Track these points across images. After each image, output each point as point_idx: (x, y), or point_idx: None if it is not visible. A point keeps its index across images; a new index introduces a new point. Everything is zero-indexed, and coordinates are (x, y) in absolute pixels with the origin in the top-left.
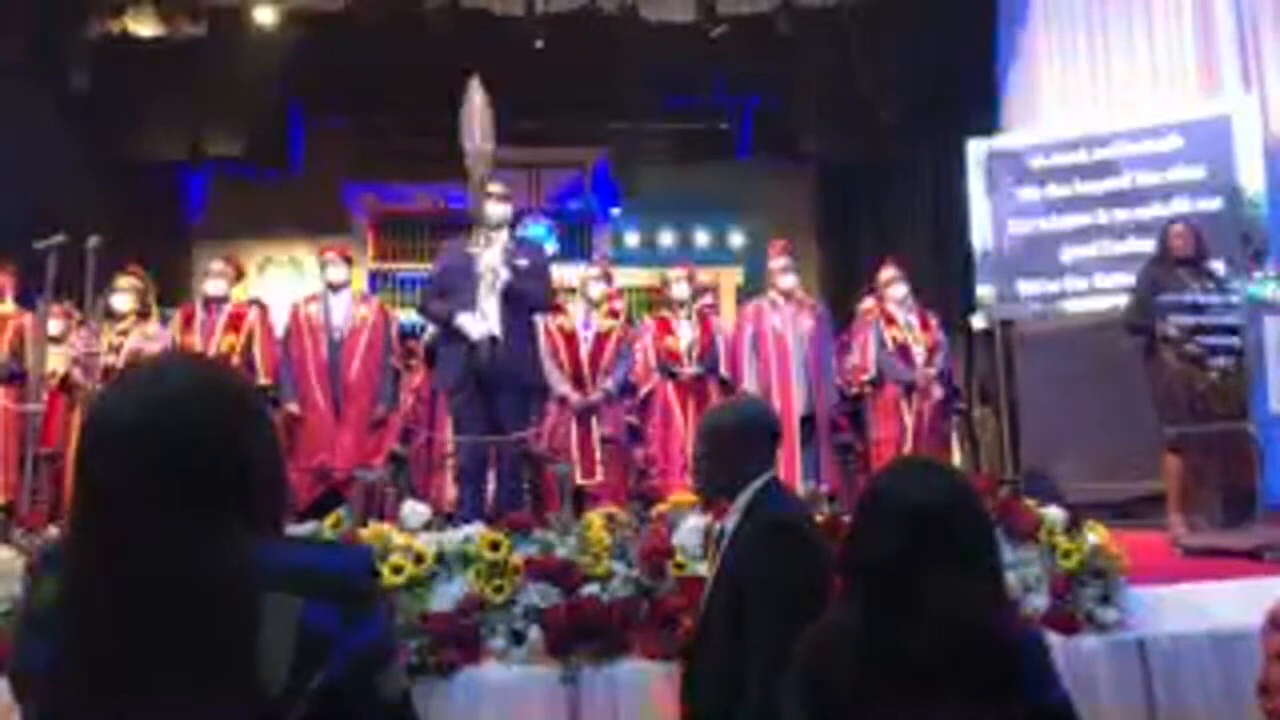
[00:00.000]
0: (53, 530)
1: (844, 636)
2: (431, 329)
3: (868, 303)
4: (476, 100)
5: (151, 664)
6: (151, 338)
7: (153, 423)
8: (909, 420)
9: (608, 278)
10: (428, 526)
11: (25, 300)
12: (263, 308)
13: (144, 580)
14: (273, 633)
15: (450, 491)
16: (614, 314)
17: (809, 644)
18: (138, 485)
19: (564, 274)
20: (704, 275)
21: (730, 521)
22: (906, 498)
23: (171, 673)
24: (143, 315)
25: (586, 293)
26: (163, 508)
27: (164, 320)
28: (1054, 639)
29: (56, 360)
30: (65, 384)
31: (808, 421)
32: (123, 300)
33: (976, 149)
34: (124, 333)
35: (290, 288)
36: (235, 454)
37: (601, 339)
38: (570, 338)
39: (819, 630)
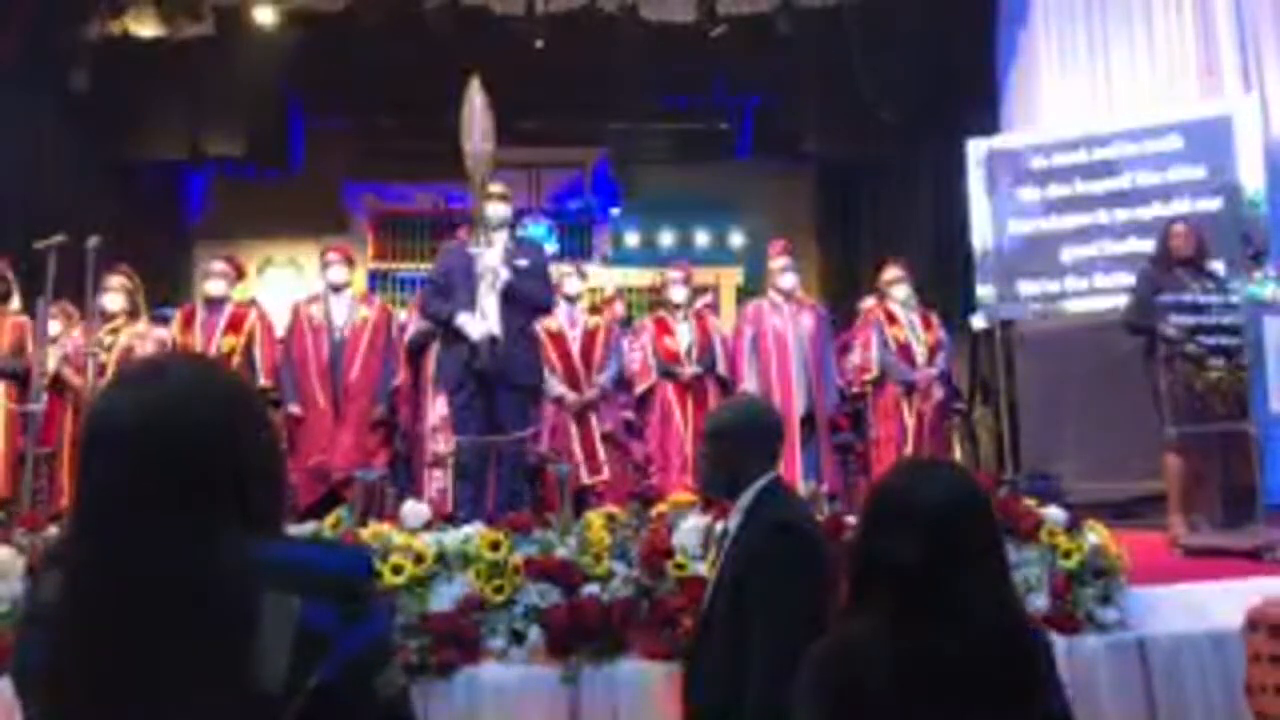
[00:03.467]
0: (53, 530)
1: (873, 642)
2: (412, 330)
3: (869, 302)
4: (477, 101)
5: (150, 662)
6: (143, 336)
7: (151, 423)
8: (909, 420)
9: (582, 274)
10: (428, 526)
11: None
12: (259, 309)
13: (143, 579)
14: (271, 631)
15: (433, 490)
16: (595, 310)
17: (831, 650)
18: (136, 485)
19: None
20: (704, 275)
21: (732, 522)
22: (931, 500)
23: (170, 671)
24: (132, 315)
25: (564, 290)
26: (161, 507)
27: (156, 320)
28: (1054, 639)
29: (56, 360)
30: (56, 383)
31: (808, 421)
32: (113, 300)
33: (976, 149)
34: (115, 331)
35: (290, 288)
36: (234, 454)
37: (589, 336)
38: (559, 338)
39: (843, 636)
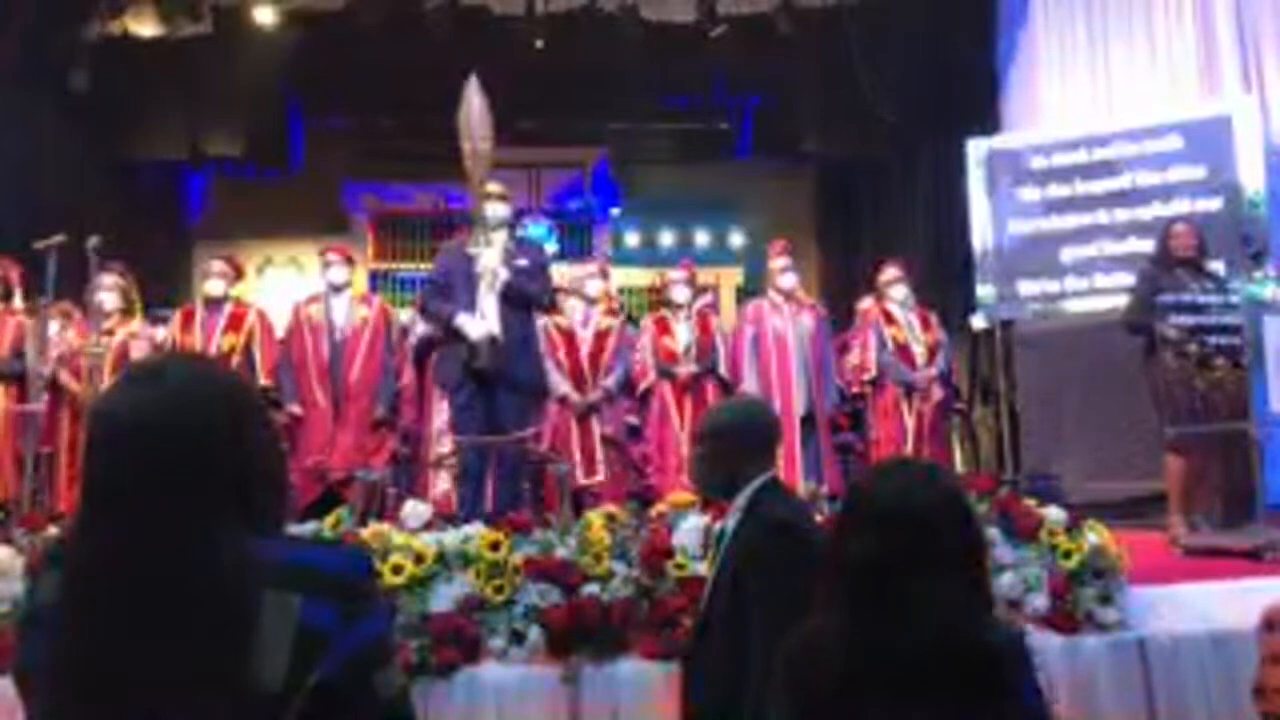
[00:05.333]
0: (53, 530)
1: (828, 638)
2: (419, 330)
3: (867, 302)
4: (475, 101)
5: (151, 661)
6: (137, 335)
7: (151, 423)
8: (909, 420)
9: (604, 274)
10: (428, 526)
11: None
12: (259, 311)
13: (144, 579)
14: (271, 630)
15: (436, 490)
16: (612, 312)
17: (794, 646)
18: (137, 485)
19: (561, 274)
20: (704, 275)
21: (730, 521)
22: (886, 501)
23: (170, 669)
24: (126, 313)
25: (584, 291)
26: (162, 507)
27: (153, 319)
28: (1054, 639)
29: (52, 361)
30: (53, 384)
31: (808, 421)
32: (107, 299)
33: (976, 149)
34: (110, 331)
35: (290, 288)
36: (234, 454)
37: (601, 338)
38: (570, 337)
39: (805, 632)
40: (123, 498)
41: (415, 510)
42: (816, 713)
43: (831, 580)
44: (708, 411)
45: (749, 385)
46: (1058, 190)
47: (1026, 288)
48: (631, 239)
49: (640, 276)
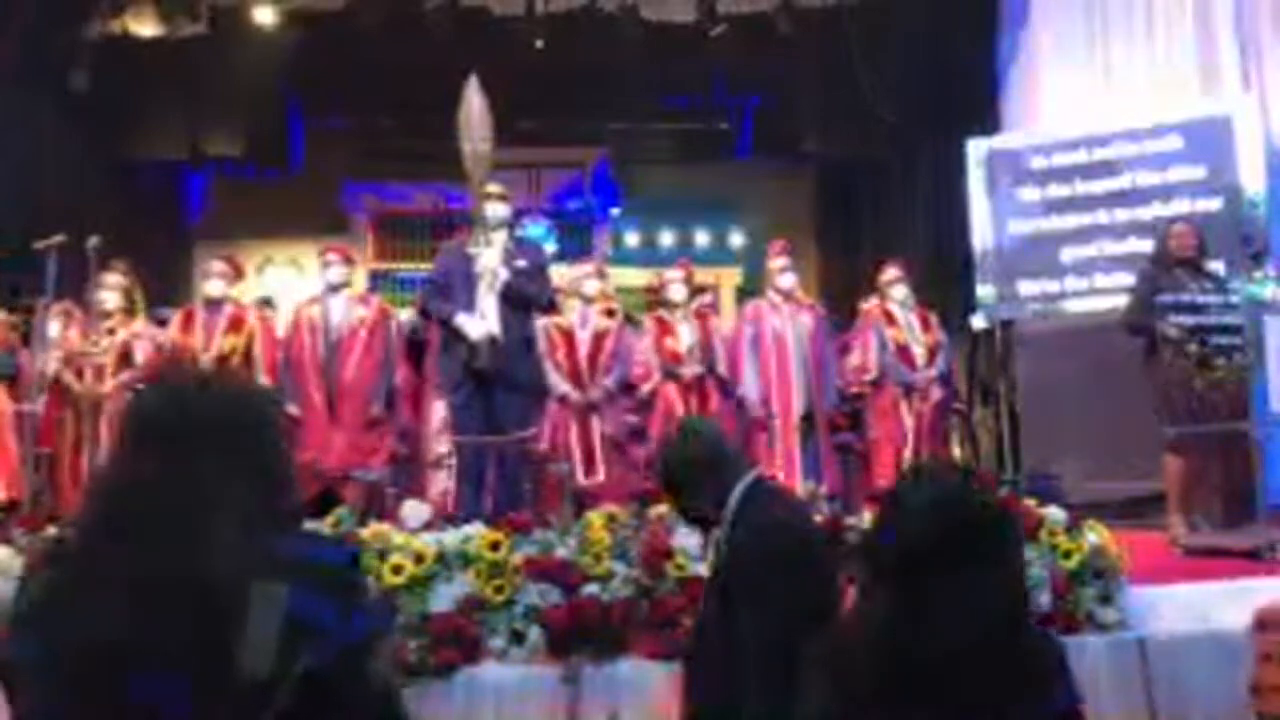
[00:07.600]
0: (52, 530)
1: (867, 633)
2: (411, 319)
3: (870, 302)
4: (475, 101)
5: (143, 653)
6: (139, 335)
7: (172, 424)
8: (909, 421)
9: (601, 274)
10: (428, 526)
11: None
12: (262, 310)
13: (143, 576)
14: (259, 620)
15: (434, 489)
16: (610, 313)
17: (832, 640)
18: (146, 483)
19: (560, 274)
20: (704, 275)
21: (723, 527)
22: (934, 501)
23: (161, 661)
24: (128, 313)
25: (582, 291)
26: (166, 505)
27: (156, 320)
28: None
29: (55, 362)
30: (56, 384)
31: (807, 421)
32: (109, 298)
33: (976, 149)
34: (111, 331)
35: (290, 288)
36: (244, 454)
37: (599, 337)
38: (569, 337)
39: (843, 626)
40: (127, 497)
41: (415, 510)
42: (853, 709)
43: (868, 581)
44: (661, 457)
45: (748, 385)
46: (1058, 190)
47: (1026, 288)
48: (631, 239)
49: (640, 277)
